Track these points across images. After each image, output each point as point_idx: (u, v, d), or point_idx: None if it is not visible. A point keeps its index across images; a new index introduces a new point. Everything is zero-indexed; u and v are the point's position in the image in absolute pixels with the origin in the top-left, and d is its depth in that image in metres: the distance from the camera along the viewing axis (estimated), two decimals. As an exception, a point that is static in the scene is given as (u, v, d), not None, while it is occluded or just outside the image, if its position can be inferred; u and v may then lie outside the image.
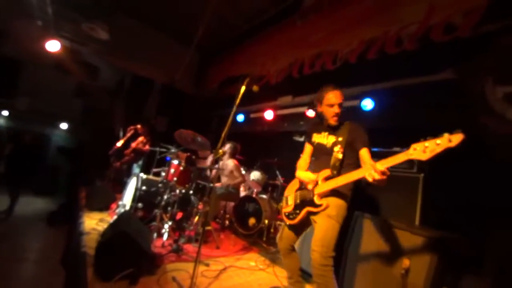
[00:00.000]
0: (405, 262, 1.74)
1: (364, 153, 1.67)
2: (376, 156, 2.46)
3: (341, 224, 1.67)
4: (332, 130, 1.83)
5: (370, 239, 2.04)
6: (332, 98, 1.77)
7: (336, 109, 1.76)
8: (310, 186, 1.72)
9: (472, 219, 2.19)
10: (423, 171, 2.15)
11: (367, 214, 2.20)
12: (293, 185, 1.94)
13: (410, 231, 1.85)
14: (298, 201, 1.80)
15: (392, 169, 2.28)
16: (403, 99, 3.03)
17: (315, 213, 1.70)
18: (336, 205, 1.67)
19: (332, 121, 1.80)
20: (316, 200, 1.68)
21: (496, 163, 2.08)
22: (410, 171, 2.19)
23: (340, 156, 1.70)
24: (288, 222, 1.83)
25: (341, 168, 1.70)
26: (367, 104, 3.20)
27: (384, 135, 3.04)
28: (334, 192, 1.67)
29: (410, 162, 2.21)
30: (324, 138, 1.85)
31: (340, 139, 1.74)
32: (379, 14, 3.14)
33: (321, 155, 1.85)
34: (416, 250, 1.76)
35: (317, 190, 1.68)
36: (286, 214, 1.85)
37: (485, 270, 2.08)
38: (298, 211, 1.77)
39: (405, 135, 2.78)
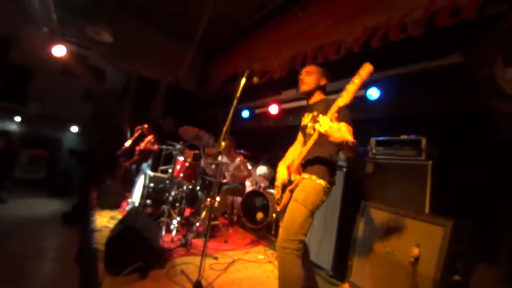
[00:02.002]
0: (415, 250, 1.71)
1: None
2: (384, 145, 2.44)
3: (310, 210, 1.49)
4: (310, 108, 1.77)
5: (379, 227, 2.02)
6: (301, 75, 1.80)
7: (300, 84, 1.79)
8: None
9: (483, 206, 2.13)
10: (431, 158, 2.10)
11: (376, 203, 2.17)
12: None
13: (420, 219, 1.82)
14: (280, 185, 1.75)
15: (400, 157, 2.27)
16: (410, 87, 2.97)
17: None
18: (304, 188, 1.54)
19: (308, 99, 1.80)
20: (292, 177, 1.64)
21: (508, 146, 2.00)
22: (418, 159, 2.14)
23: (311, 131, 1.59)
24: (278, 208, 1.76)
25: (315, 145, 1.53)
26: (373, 93, 3.15)
27: (392, 123, 3.00)
28: (309, 174, 1.56)
29: (419, 150, 2.17)
30: (305, 119, 1.77)
31: (315, 113, 1.66)
32: (382, 0, 3.07)
33: (307, 138, 1.67)
34: (425, 238, 1.73)
35: (292, 168, 1.64)
36: (276, 201, 1.79)
37: (498, 258, 2.03)
38: (282, 195, 1.71)
39: (413, 122, 2.74)
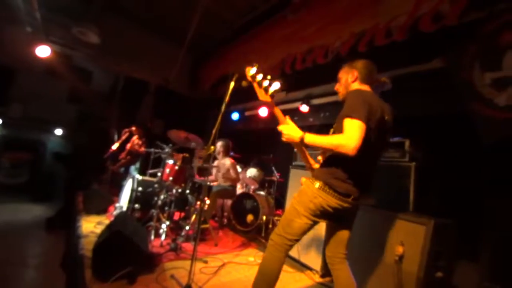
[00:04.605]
0: (399, 249, 1.77)
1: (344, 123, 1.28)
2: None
3: (300, 212, 1.40)
4: None
5: (364, 227, 2.07)
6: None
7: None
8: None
9: (465, 205, 2.22)
10: (415, 160, 2.17)
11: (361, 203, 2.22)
12: None
13: (404, 219, 1.88)
14: None
15: (385, 159, 2.33)
16: (394, 90, 3.05)
17: None
18: (301, 190, 1.48)
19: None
20: None
21: (486, 148, 2.10)
22: (402, 160, 2.21)
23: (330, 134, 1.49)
24: None
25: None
26: (359, 96, 3.22)
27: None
28: (315, 176, 1.48)
29: (402, 152, 2.24)
30: None
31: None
32: (369, 6, 3.15)
33: None
34: (409, 236, 1.79)
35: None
36: None
37: (479, 256, 2.12)
38: None
39: (397, 125, 2.81)
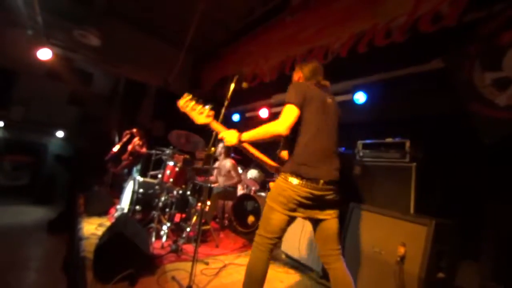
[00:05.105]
0: (400, 249, 1.77)
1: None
2: (371, 148, 2.50)
3: (274, 208, 1.40)
4: None
5: (366, 228, 2.07)
6: None
7: None
8: None
9: (466, 205, 2.22)
10: (415, 160, 2.17)
11: (363, 204, 2.23)
12: None
13: (405, 219, 1.88)
14: None
15: (386, 159, 2.34)
16: (395, 91, 3.06)
17: None
18: (271, 186, 1.53)
19: None
20: None
21: (487, 148, 2.10)
22: (403, 161, 2.21)
23: None
24: None
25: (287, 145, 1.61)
26: (360, 97, 3.23)
27: (379, 127, 3.08)
28: (282, 171, 1.49)
29: (403, 152, 2.24)
30: None
31: None
32: (368, 7, 3.16)
33: None
34: (411, 237, 1.79)
35: None
36: None
37: (481, 255, 2.11)
38: None
39: (398, 126, 2.82)
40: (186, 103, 1.68)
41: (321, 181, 1.38)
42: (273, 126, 1.39)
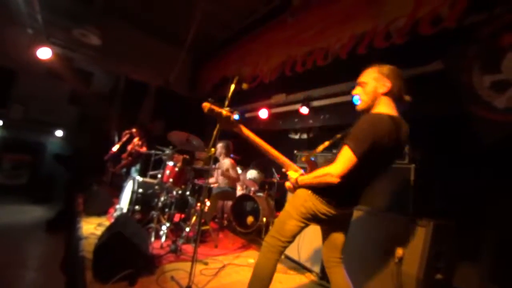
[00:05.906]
0: (399, 251, 1.77)
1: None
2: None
3: (292, 215, 1.43)
4: None
5: (364, 230, 2.08)
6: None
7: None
8: None
9: (465, 206, 2.23)
10: (414, 162, 2.18)
11: (361, 206, 2.23)
12: None
13: (403, 220, 1.89)
14: None
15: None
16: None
17: None
18: (295, 193, 1.52)
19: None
20: None
21: (486, 150, 2.11)
22: (402, 162, 2.21)
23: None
24: None
25: None
26: (359, 98, 3.23)
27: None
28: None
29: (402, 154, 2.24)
30: None
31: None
32: (368, 9, 3.17)
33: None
34: (409, 239, 1.80)
35: None
36: None
37: (480, 256, 2.12)
38: None
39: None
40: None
41: (339, 207, 1.41)
42: (327, 178, 1.25)
